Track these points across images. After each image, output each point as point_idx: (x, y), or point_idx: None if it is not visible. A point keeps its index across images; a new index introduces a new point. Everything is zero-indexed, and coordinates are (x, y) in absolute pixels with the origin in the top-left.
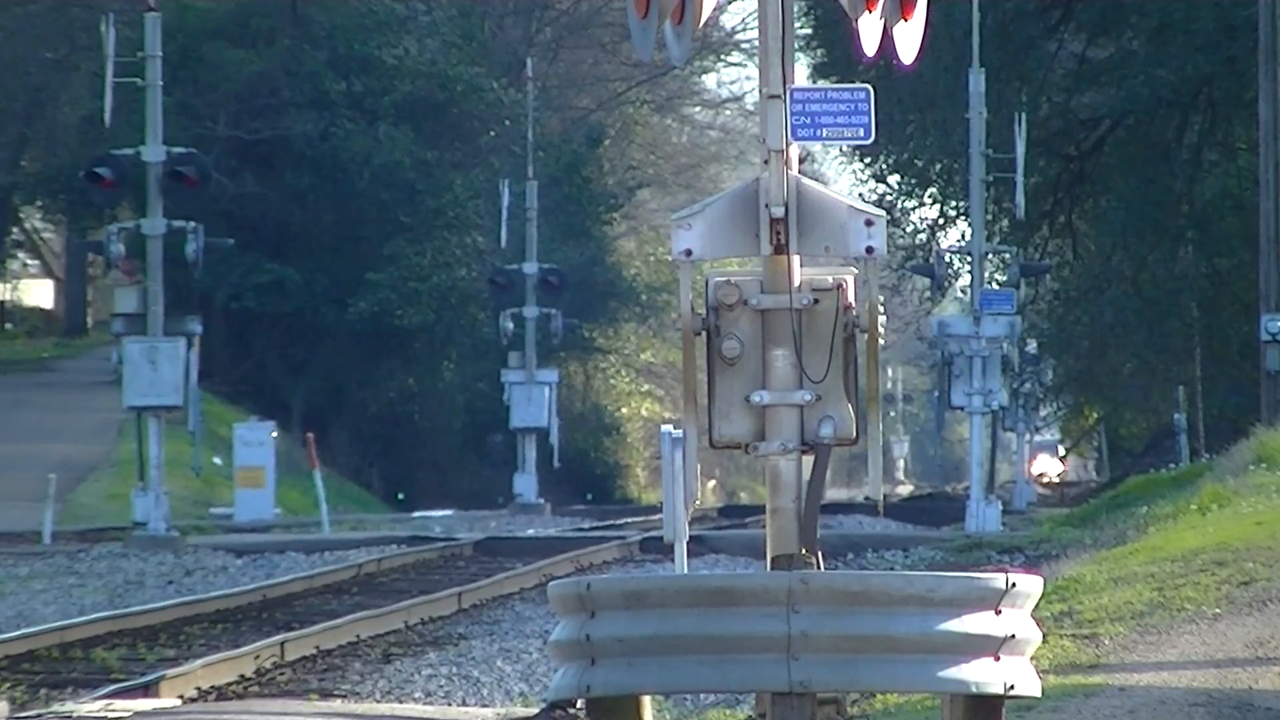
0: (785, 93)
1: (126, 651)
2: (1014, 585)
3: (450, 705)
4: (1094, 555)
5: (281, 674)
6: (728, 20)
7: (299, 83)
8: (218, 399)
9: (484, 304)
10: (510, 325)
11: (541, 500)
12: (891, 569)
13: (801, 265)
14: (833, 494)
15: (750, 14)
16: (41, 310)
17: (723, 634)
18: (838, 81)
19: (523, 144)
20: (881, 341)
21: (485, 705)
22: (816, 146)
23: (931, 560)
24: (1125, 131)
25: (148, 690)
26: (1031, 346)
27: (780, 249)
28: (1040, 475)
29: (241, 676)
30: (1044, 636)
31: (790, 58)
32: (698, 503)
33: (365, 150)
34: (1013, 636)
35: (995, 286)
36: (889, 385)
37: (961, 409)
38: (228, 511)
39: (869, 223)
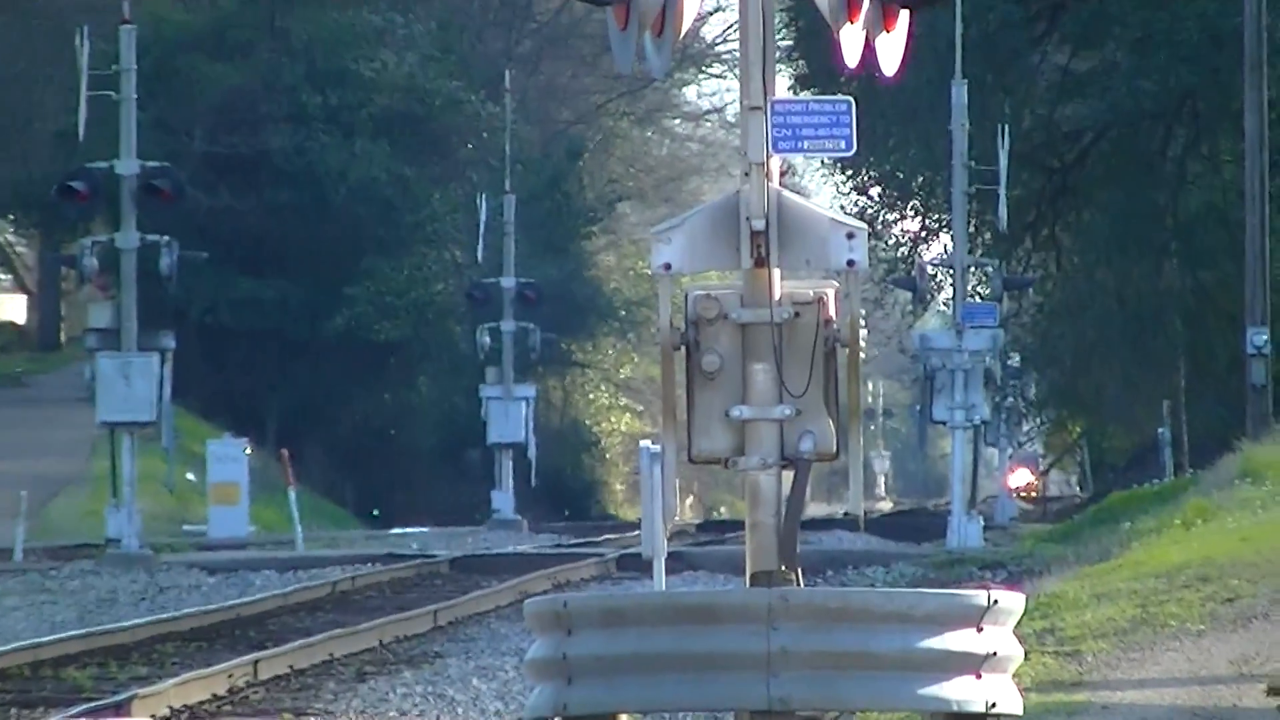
0: (766, 104)
1: (98, 670)
2: (996, 602)
3: None
4: (1077, 571)
5: (255, 693)
6: (708, 32)
7: (276, 96)
8: (191, 415)
9: (461, 319)
10: (487, 340)
11: (519, 517)
12: (872, 585)
13: (782, 279)
14: (813, 509)
15: (731, 25)
16: (14, 325)
17: (702, 651)
18: (819, 93)
19: (501, 157)
20: (863, 355)
21: None
22: (798, 159)
23: (913, 576)
24: (1109, 144)
25: (119, 709)
26: (1014, 360)
27: (761, 262)
28: (1016, 489)
29: (214, 695)
30: (1026, 654)
31: (771, 69)
32: (676, 519)
33: (342, 165)
34: (994, 654)
35: (978, 300)
36: (870, 400)
37: (943, 424)
38: (201, 528)
39: (850, 235)
